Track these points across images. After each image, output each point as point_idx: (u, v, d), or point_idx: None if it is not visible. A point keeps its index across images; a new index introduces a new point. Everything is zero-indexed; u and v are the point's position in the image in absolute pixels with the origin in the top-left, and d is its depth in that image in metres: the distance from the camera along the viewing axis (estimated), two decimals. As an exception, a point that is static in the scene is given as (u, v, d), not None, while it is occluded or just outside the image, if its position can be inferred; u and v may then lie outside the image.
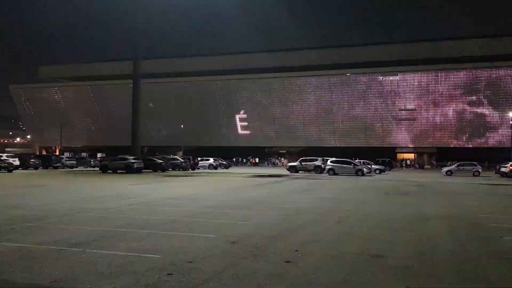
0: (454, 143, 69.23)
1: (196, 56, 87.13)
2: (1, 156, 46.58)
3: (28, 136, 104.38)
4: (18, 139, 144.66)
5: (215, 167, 56.25)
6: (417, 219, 13.06)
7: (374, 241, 9.66)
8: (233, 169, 56.46)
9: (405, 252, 8.58)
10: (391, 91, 70.29)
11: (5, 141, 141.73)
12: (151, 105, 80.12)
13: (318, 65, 73.86)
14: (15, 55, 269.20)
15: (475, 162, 46.64)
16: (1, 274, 6.79)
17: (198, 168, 54.63)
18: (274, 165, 76.64)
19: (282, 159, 79.61)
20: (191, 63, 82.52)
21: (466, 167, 45.56)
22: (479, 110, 67.01)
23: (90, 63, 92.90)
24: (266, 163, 77.87)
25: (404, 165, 72.49)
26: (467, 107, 67.38)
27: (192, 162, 52.57)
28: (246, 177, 36.69)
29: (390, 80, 70.02)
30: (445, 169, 47.19)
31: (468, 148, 67.75)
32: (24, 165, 47.45)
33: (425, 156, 74.61)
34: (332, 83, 72.57)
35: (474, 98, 66.86)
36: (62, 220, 12.09)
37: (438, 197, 20.31)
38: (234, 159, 76.00)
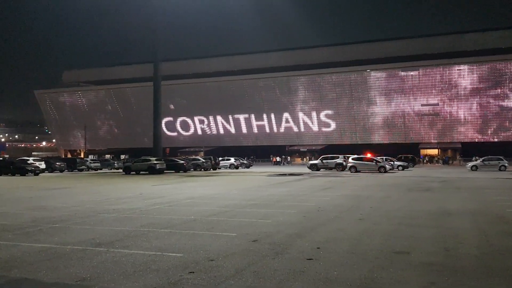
0: (479, 138, 67.82)
1: (215, 56, 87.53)
2: (28, 160, 47.70)
3: (54, 140, 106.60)
4: (44, 143, 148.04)
5: (236, 167, 56.40)
6: (441, 215, 12.84)
7: (397, 237, 9.55)
8: (254, 168, 56.52)
9: (429, 248, 8.45)
10: (412, 86, 69.29)
11: (32, 145, 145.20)
12: (172, 106, 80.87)
13: (338, 62, 73.37)
14: (40, 61, 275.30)
15: (501, 157, 45.55)
16: (28, 273, 6.97)
17: (220, 168, 54.87)
18: (282, 164, 73.89)
19: (289, 157, 77.76)
20: (210, 64, 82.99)
21: (491, 162, 44.53)
22: (504, 103, 65.48)
23: (111, 67, 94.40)
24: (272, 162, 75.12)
25: (424, 160, 71.05)
26: (491, 101, 65.91)
27: (213, 162, 52.84)
28: (267, 176, 36.68)
29: (411, 75, 69.00)
30: (469, 164, 46.25)
31: (494, 142, 66.27)
32: (50, 168, 48.44)
33: (450, 152, 73.30)
34: (352, 80, 71.94)
35: (498, 91, 65.36)
36: (87, 220, 12.31)
37: (462, 193, 19.93)
38: (252, 157, 74.92)
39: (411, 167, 52.06)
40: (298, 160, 78.22)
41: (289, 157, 78.46)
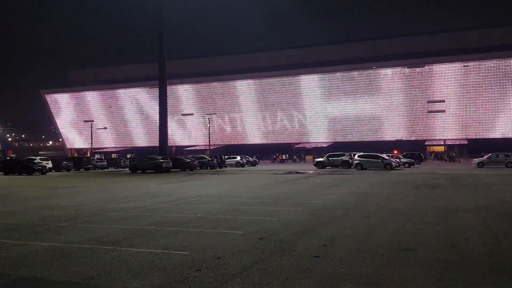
0: (486, 135, 67.44)
1: (219, 55, 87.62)
2: (35, 159, 47.96)
3: (60, 139, 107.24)
4: (50, 142, 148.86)
5: (242, 165, 56.43)
6: (448, 212, 12.78)
7: (404, 234, 9.51)
8: (260, 166, 56.52)
9: (436, 245, 8.41)
10: (418, 83, 68.99)
11: (39, 144, 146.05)
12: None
13: (344, 59, 73.30)
14: (46, 61, 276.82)
15: (508, 153, 45.27)
16: (36, 272, 7.01)
17: (226, 166, 54.94)
18: (295, 161, 73.65)
19: (283, 155, 77.05)
20: (215, 62, 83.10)
21: (498, 158, 44.26)
22: (510, 100, 65.05)
23: (117, 66, 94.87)
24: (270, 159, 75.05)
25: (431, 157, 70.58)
26: (498, 97, 65.50)
27: (219, 160, 52.92)
28: (273, 174, 36.67)
29: (418, 72, 68.70)
30: (476, 160, 46.01)
31: (501, 139, 65.88)
32: (57, 167, 48.70)
33: (456, 148, 72.97)
34: (357, 77, 71.74)
35: (505, 87, 64.95)
36: (94, 219, 12.37)
37: (469, 189, 19.81)
38: (257, 155, 74.67)
39: (417, 164, 51.83)
40: (310, 158, 77.86)
41: (287, 155, 78.13)
